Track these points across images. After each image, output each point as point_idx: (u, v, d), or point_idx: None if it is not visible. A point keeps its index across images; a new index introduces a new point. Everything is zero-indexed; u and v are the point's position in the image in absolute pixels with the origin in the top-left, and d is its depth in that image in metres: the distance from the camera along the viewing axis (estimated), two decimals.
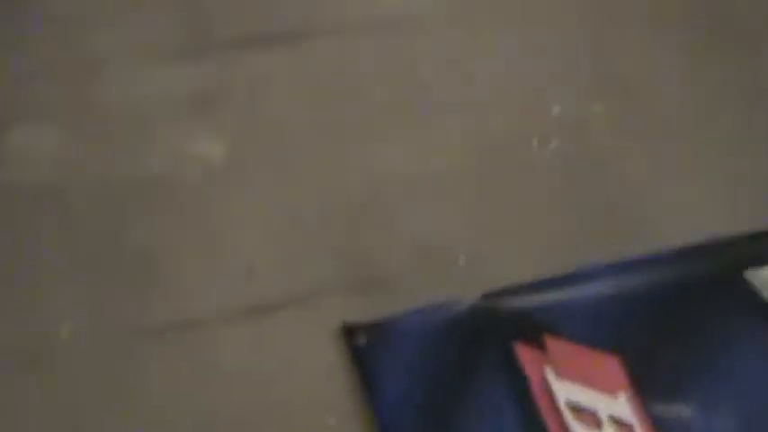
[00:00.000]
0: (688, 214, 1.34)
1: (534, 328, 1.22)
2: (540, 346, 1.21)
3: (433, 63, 1.49)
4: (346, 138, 1.38)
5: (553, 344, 1.21)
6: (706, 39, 1.59)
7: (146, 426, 1.13)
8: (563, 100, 1.46)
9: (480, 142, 1.40)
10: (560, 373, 1.18)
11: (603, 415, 1.15)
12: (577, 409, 1.16)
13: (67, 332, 1.18)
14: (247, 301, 1.23)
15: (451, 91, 1.46)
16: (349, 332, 1.21)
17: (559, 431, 1.14)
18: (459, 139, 1.40)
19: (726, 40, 1.59)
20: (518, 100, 1.46)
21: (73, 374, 1.16)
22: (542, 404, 1.16)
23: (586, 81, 1.50)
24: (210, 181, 1.32)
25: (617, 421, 1.15)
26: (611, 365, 1.19)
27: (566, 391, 1.17)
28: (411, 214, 1.31)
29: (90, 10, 1.55)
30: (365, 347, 1.20)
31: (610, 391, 1.17)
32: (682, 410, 1.16)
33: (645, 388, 1.17)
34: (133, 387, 1.15)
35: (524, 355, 1.19)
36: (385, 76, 1.46)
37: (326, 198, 1.31)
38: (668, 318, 1.25)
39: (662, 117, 1.46)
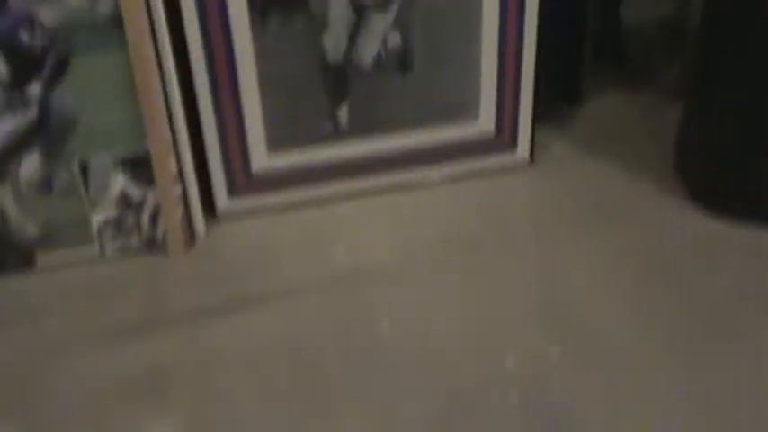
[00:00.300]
0: None
1: None
2: None
3: (386, 321, 1.50)
4: (302, 413, 1.35)
5: None
6: (654, 270, 1.62)
7: None
8: (520, 348, 1.45)
9: (440, 404, 1.37)
10: None
11: None
12: None
13: None
14: None
15: (406, 349, 1.42)
16: None
17: None
18: (419, 402, 1.37)
19: (676, 271, 1.62)
20: (475, 353, 1.44)
21: None
22: None
23: (540, 326, 1.50)
24: None
25: None
26: None
27: None
28: None
29: (43, 299, 1.58)
30: None
31: None
32: None
33: None
34: None
35: None
36: (337, 338, 1.45)
37: None
38: None
39: (620, 356, 1.46)
